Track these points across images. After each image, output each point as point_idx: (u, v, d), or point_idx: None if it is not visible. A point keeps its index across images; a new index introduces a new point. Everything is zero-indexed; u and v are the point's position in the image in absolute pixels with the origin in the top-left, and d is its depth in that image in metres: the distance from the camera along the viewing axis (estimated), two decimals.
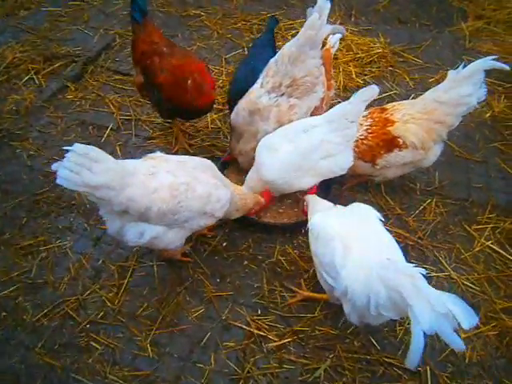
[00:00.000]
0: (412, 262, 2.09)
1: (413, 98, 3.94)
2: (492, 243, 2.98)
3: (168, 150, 3.57)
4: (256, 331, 2.56)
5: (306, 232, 2.86)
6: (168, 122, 3.79)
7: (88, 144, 3.60)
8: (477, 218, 3.16)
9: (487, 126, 3.77)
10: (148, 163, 2.37)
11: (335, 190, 3.24)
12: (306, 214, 2.70)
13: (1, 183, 3.32)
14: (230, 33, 4.78)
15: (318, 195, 2.88)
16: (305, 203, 2.78)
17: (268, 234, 3.06)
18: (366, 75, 4.26)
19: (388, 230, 2.35)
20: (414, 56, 4.45)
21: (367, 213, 2.37)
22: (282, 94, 2.85)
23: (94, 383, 2.36)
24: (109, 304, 2.67)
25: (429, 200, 3.26)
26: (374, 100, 3.93)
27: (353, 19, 5.00)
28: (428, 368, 2.40)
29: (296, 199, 3.18)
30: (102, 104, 4.01)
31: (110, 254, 2.93)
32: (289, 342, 2.53)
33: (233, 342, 2.53)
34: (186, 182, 2.34)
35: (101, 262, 2.88)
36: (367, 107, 2.76)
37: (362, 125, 2.96)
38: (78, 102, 4.02)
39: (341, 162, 2.83)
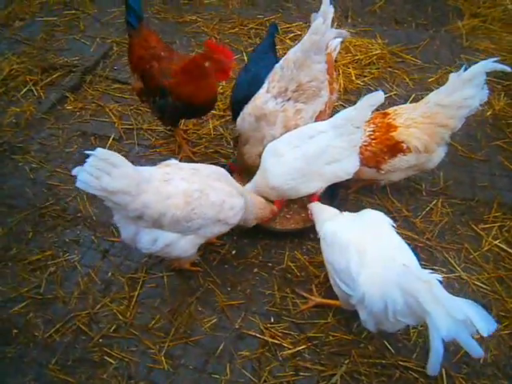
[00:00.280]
0: (422, 265, 2.11)
1: (413, 99, 4.00)
2: (500, 242, 3.00)
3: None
4: (270, 339, 2.56)
5: (315, 237, 2.90)
6: (170, 130, 3.78)
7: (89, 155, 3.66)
8: (483, 217, 3.17)
9: (489, 125, 3.79)
10: (162, 170, 2.38)
11: (341, 193, 3.24)
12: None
13: (4, 198, 3.29)
14: (228, 38, 4.77)
15: (323, 201, 2.90)
16: (309, 211, 2.79)
17: (276, 240, 3.05)
18: (365, 77, 4.27)
19: (397, 233, 2.37)
20: (413, 56, 4.47)
21: (379, 219, 2.38)
22: (289, 99, 2.85)
23: None
24: (120, 317, 2.65)
25: (435, 200, 3.27)
26: None
27: (349, 21, 5.01)
28: (444, 370, 2.40)
29: (302, 205, 3.18)
30: (102, 114, 3.99)
31: (118, 266, 2.91)
32: (303, 349, 2.53)
33: (247, 351, 2.52)
34: (200, 189, 2.35)
35: (110, 274, 2.87)
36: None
37: (364, 130, 2.95)
38: (78, 113, 3.99)
39: (347, 166, 2.84)
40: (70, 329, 2.60)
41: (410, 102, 3.95)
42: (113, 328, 2.61)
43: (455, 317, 1.76)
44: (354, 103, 3.97)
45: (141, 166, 2.54)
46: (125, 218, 2.31)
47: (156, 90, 3.14)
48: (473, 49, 4.51)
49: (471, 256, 2.95)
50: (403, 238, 2.33)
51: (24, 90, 4.13)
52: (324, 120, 3.05)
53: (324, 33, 2.64)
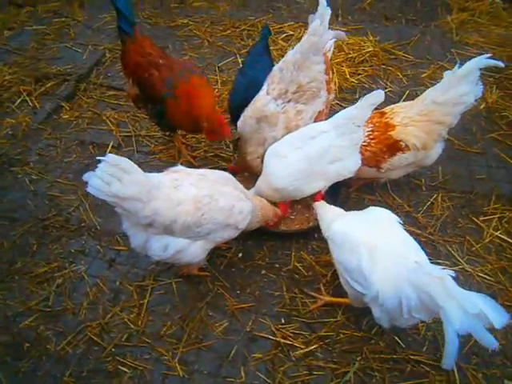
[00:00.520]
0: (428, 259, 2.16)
1: (408, 95, 4.05)
2: (501, 233, 3.06)
3: (172, 164, 3.56)
4: (282, 340, 2.58)
5: (320, 237, 2.93)
6: (169, 136, 3.78)
7: (89, 164, 3.65)
8: (483, 209, 3.23)
9: (483, 118, 3.86)
10: (171, 176, 2.39)
11: (343, 192, 3.28)
12: None
13: (6, 211, 3.27)
14: (220, 40, 4.78)
15: (326, 200, 2.92)
16: (314, 210, 2.82)
17: (282, 241, 3.08)
18: (359, 74, 4.31)
19: (404, 229, 2.41)
20: (405, 52, 4.52)
21: (386, 216, 2.41)
22: (289, 101, 2.88)
23: None
24: (132, 326, 2.65)
25: (435, 195, 3.32)
26: None
27: (340, 19, 5.05)
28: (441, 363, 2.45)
29: (305, 205, 3.21)
30: (99, 122, 3.98)
31: (126, 274, 2.91)
32: (315, 348, 2.56)
33: (260, 353, 2.54)
34: (209, 194, 2.37)
35: (118, 283, 2.87)
36: None
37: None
38: (74, 122, 3.97)
39: (349, 165, 2.87)
40: (81, 340, 2.60)
41: (405, 98, 4.01)
42: (125, 337, 2.61)
43: (469, 310, 1.80)
44: (350, 101, 4.09)
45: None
46: (135, 226, 2.32)
47: (156, 99, 3.13)
48: (463, 43, 4.57)
49: (473, 248, 3.00)
50: None
51: (18, 101, 4.11)
52: (322, 120, 3.09)
53: (322, 34, 2.67)
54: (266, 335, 2.61)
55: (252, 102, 2.99)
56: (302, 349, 2.55)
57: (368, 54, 4.46)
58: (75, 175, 3.53)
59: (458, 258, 2.93)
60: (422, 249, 2.30)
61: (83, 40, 4.79)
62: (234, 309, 2.72)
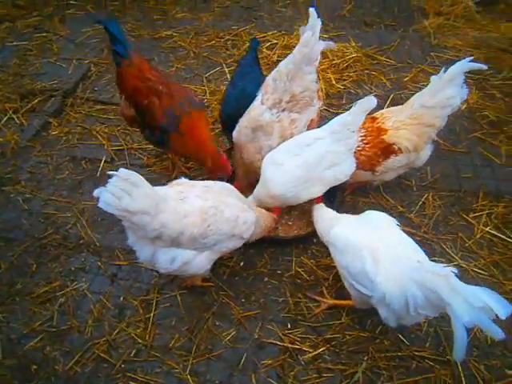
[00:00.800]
0: None
1: (392, 98, 4.17)
2: (490, 228, 3.19)
3: (166, 176, 3.58)
4: (290, 345, 2.63)
5: (318, 241, 3.01)
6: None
7: (82, 179, 3.62)
8: (472, 206, 3.36)
9: (465, 118, 4.01)
10: (176, 189, 2.40)
11: (338, 196, 3.36)
12: None
13: (0, 231, 3.22)
14: (206, 51, 4.83)
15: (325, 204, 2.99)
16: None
17: (282, 247, 3.13)
18: (345, 80, 4.42)
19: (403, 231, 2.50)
20: (387, 57, 4.66)
21: (384, 219, 2.50)
22: (283, 110, 2.94)
23: None
24: (140, 340, 2.65)
25: (426, 195, 3.44)
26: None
27: (322, 26, 5.14)
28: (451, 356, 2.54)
29: (302, 211, 3.28)
30: (89, 137, 3.96)
31: (129, 289, 2.91)
32: (323, 350, 2.61)
33: (269, 359, 2.58)
34: (215, 205, 2.41)
35: (122, 298, 2.86)
36: None
37: None
38: (64, 138, 3.94)
39: (345, 169, 2.94)
40: (89, 358, 2.59)
41: (390, 102, 4.13)
42: (133, 352, 2.61)
43: (474, 304, 1.89)
44: (337, 107, 4.19)
45: None
46: (141, 240, 2.33)
47: (155, 127, 3.10)
48: (441, 46, 4.75)
49: (466, 244, 3.12)
50: None
51: (5, 119, 4.05)
52: (314, 127, 3.17)
53: (314, 45, 2.74)
54: (274, 341, 2.65)
55: (247, 112, 3.04)
56: (310, 352, 2.60)
57: (352, 60, 4.58)
58: (69, 192, 3.50)
59: (453, 255, 3.04)
60: (421, 248, 2.39)
61: (67, 55, 4.75)
62: (240, 317, 2.75)
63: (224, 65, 4.61)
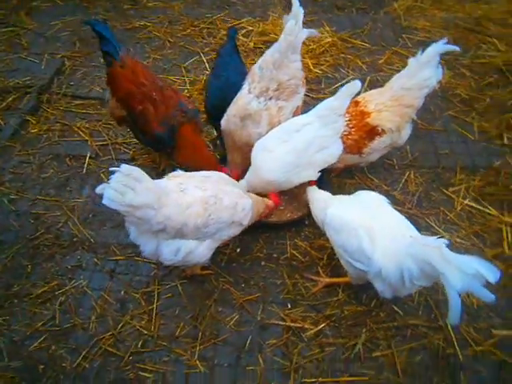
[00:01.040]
0: None
1: (369, 81, 4.29)
2: (469, 201, 3.39)
3: (154, 169, 3.58)
4: (292, 324, 2.74)
5: (310, 223, 3.12)
6: None
7: (68, 177, 3.58)
8: (450, 181, 3.55)
9: (439, 97, 4.18)
10: (175, 181, 2.43)
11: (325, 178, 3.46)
12: None
13: None
14: (182, 40, 4.78)
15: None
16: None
17: (276, 232, 3.22)
18: (322, 65, 4.50)
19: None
20: (361, 40, 4.76)
21: (376, 198, 2.62)
22: (271, 98, 2.99)
23: None
24: (145, 332, 2.70)
25: (407, 173, 3.60)
26: (336, 88, 4.24)
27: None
28: (447, 321, 2.73)
29: (292, 195, 3.36)
30: (71, 133, 3.88)
31: (129, 283, 2.93)
32: (323, 327, 2.74)
33: (273, 339, 2.69)
34: (214, 194, 2.46)
35: (123, 292, 2.88)
36: None
37: None
38: (45, 135, 3.85)
39: (333, 151, 3.04)
40: (97, 353, 2.61)
41: (367, 84, 4.25)
42: (140, 344, 2.65)
43: (466, 272, 2.04)
44: (316, 91, 4.28)
45: None
46: (144, 234, 2.36)
47: (148, 133, 3.07)
48: (412, 28, 4.90)
49: (448, 217, 3.31)
50: None
51: None
52: (298, 114, 3.24)
53: (297, 33, 2.80)
54: (276, 322, 2.76)
55: (234, 101, 3.08)
56: (311, 329, 2.72)
57: (327, 45, 4.66)
58: (56, 190, 3.45)
59: (437, 228, 3.22)
60: (412, 224, 2.53)
61: (38, 49, 4.60)
62: (241, 301, 2.84)
63: (202, 54, 4.59)
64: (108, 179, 2.16)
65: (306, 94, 4.12)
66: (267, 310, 2.81)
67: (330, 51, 4.64)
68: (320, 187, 3.13)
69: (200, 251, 2.53)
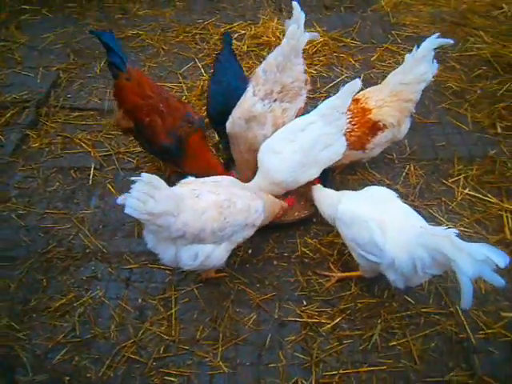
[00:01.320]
0: None
1: (363, 78, 4.39)
2: (469, 190, 3.50)
3: (159, 176, 3.60)
4: (309, 320, 2.81)
5: (318, 220, 3.21)
6: None
7: (74, 189, 3.60)
8: (449, 172, 3.66)
9: (432, 91, 4.29)
10: (188, 187, 2.48)
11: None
12: None
13: (1, 251, 3.16)
14: (175, 47, 4.82)
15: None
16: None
17: (285, 231, 3.29)
18: (316, 65, 4.58)
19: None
20: (352, 39, 4.86)
21: (384, 193, 2.71)
22: (275, 100, 3.07)
23: None
24: (166, 337, 2.74)
25: (407, 166, 3.70)
26: (332, 87, 4.32)
27: (284, 13, 5.27)
28: (458, 307, 2.83)
29: (299, 194, 3.43)
30: (73, 145, 3.90)
31: (145, 290, 2.97)
32: (340, 320, 2.82)
33: (292, 335, 2.76)
34: (227, 198, 2.52)
35: (140, 300, 2.92)
36: None
37: None
38: (47, 149, 3.86)
39: (337, 149, 3.12)
40: (120, 361, 2.65)
41: (362, 82, 4.32)
42: (162, 349, 2.70)
43: (477, 258, 2.13)
44: (313, 91, 4.35)
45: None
46: (163, 242, 2.41)
47: (156, 144, 3.10)
48: (400, 24, 5.00)
49: (450, 207, 3.41)
50: None
51: None
52: (300, 115, 3.32)
53: (299, 37, 2.88)
54: (294, 318, 2.83)
55: (239, 104, 3.13)
56: (328, 324, 2.80)
57: (320, 45, 4.74)
58: (64, 203, 3.47)
59: (440, 218, 3.32)
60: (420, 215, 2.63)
61: (31, 63, 4.59)
62: (258, 301, 2.90)
63: (196, 59, 4.64)
64: (126, 189, 2.21)
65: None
66: (284, 308, 2.88)
67: (322, 51, 4.72)
68: (324, 185, 3.21)
69: (217, 254, 2.59)
